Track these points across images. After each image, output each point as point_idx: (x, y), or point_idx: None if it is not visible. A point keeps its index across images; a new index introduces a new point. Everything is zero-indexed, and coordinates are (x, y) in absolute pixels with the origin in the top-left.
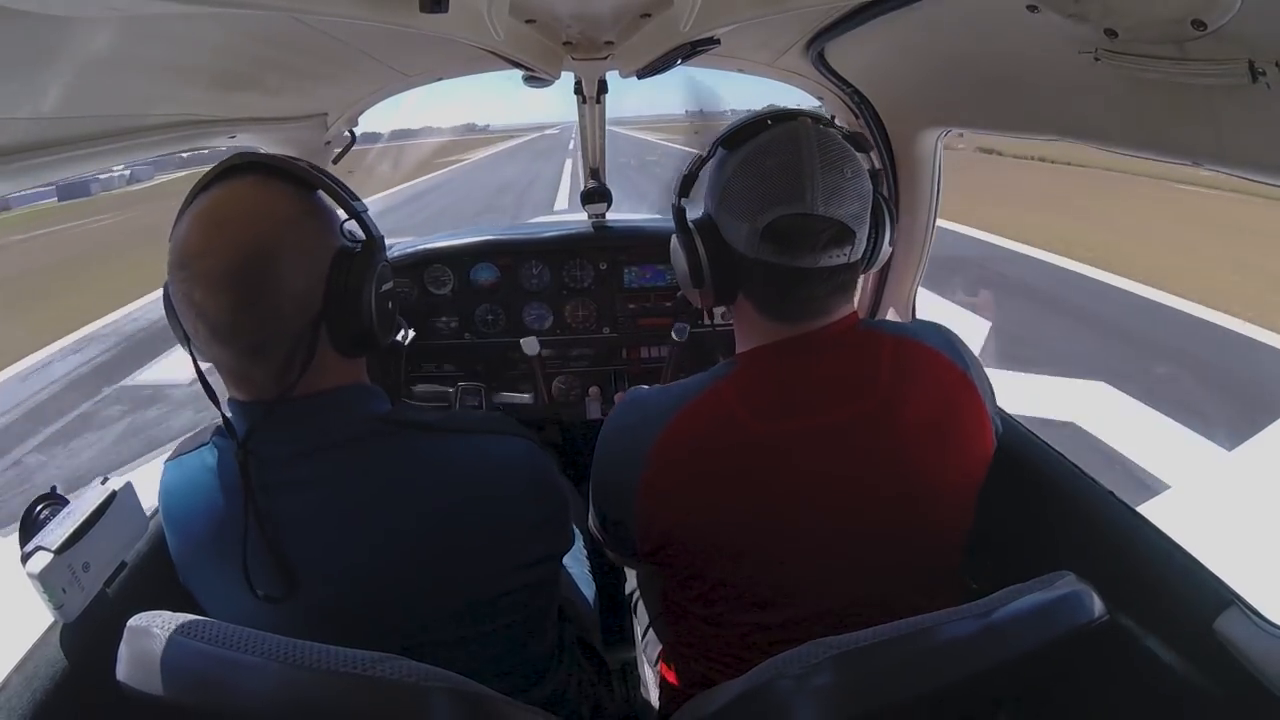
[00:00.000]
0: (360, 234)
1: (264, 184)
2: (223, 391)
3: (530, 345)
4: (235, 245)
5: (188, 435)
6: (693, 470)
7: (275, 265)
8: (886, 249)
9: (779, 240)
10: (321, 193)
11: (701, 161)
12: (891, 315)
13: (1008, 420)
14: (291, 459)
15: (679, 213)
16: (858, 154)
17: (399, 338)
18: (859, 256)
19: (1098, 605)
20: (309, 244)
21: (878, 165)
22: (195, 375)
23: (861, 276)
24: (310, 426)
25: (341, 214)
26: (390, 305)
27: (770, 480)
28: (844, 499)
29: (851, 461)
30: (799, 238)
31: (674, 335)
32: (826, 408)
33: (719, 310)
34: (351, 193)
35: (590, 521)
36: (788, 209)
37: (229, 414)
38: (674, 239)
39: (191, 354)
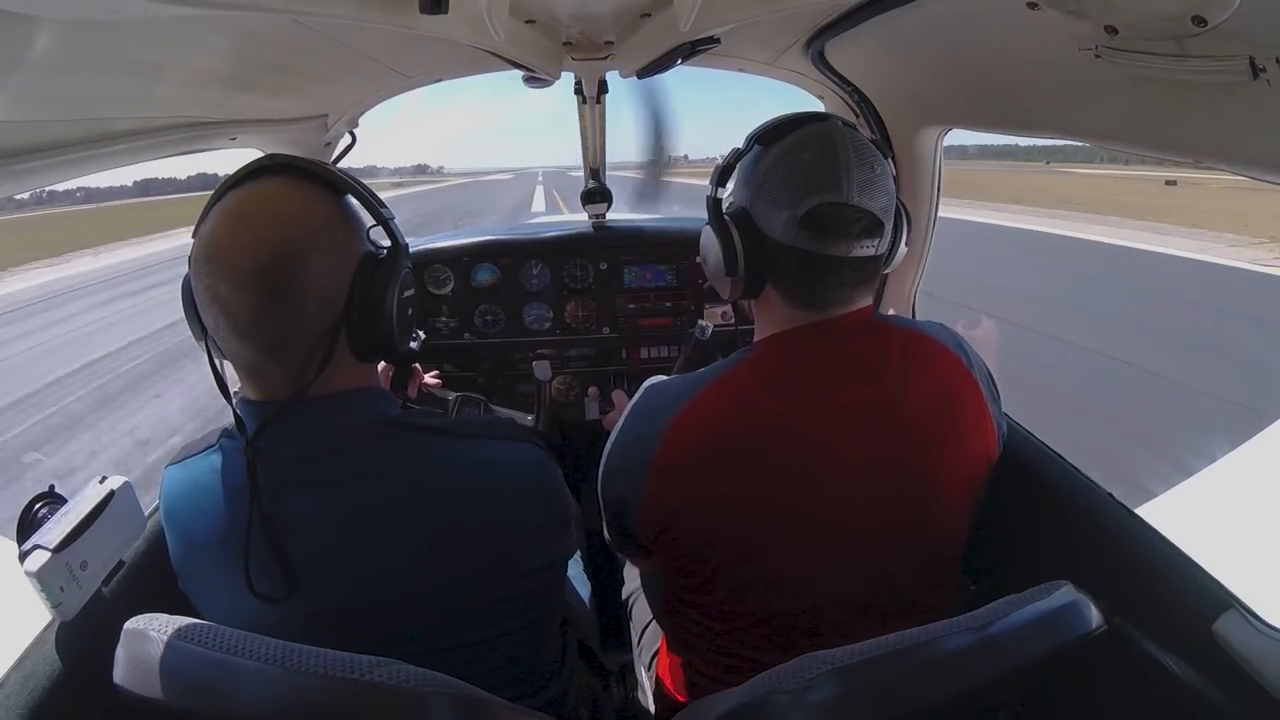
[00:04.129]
0: (384, 240)
1: (295, 185)
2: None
3: (542, 370)
4: (264, 243)
5: (192, 440)
6: (706, 446)
7: (303, 266)
8: (903, 249)
9: (816, 227)
10: (350, 197)
11: (738, 155)
12: (893, 315)
13: (1009, 422)
14: (299, 460)
15: (714, 204)
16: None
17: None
18: (884, 250)
19: (1095, 616)
20: (337, 247)
21: (894, 171)
22: (212, 372)
23: None
24: (320, 428)
25: (367, 220)
26: (410, 312)
27: (780, 457)
28: (848, 481)
29: (856, 444)
30: (835, 225)
31: (695, 334)
32: (836, 390)
33: (723, 310)
34: (379, 199)
35: (600, 509)
36: (826, 197)
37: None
38: (706, 229)
39: (208, 349)
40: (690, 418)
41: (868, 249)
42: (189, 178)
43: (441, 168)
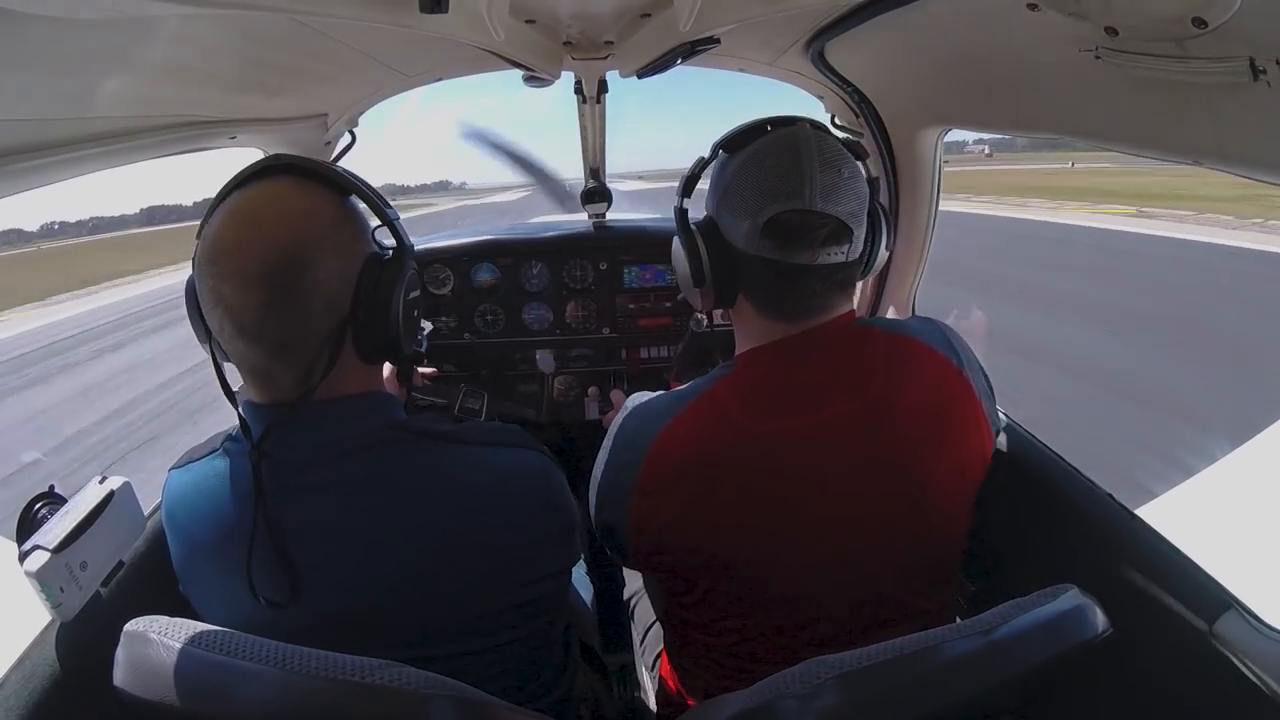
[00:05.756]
0: (388, 240)
1: (301, 185)
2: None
3: (545, 362)
4: (271, 244)
5: (196, 444)
6: (688, 469)
7: (310, 267)
8: (883, 254)
9: (778, 236)
10: (354, 197)
11: (703, 164)
12: (892, 315)
13: (1008, 422)
14: (306, 463)
15: (680, 214)
16: (856, 160)
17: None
18: (856, 256)
19: (1100, 620)
20: (344, 248)
21: (875, 173)
22: (216, 374)
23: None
24: (327, 431)
25: (373, 220)
26: (415, 314)
27: (766, 478)
28: (840, 496)
29: (847, 458)
30: (798, 233)
31: (691, 326)
32: (822, 405)
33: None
34: (385, 199)
35: (593, 529)
36: (787, 205)
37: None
38: (675, 240)
39: (212, 352)
40: (670, 440)
41: (836, 256)
42: (194, 204)
43: (464, 183)
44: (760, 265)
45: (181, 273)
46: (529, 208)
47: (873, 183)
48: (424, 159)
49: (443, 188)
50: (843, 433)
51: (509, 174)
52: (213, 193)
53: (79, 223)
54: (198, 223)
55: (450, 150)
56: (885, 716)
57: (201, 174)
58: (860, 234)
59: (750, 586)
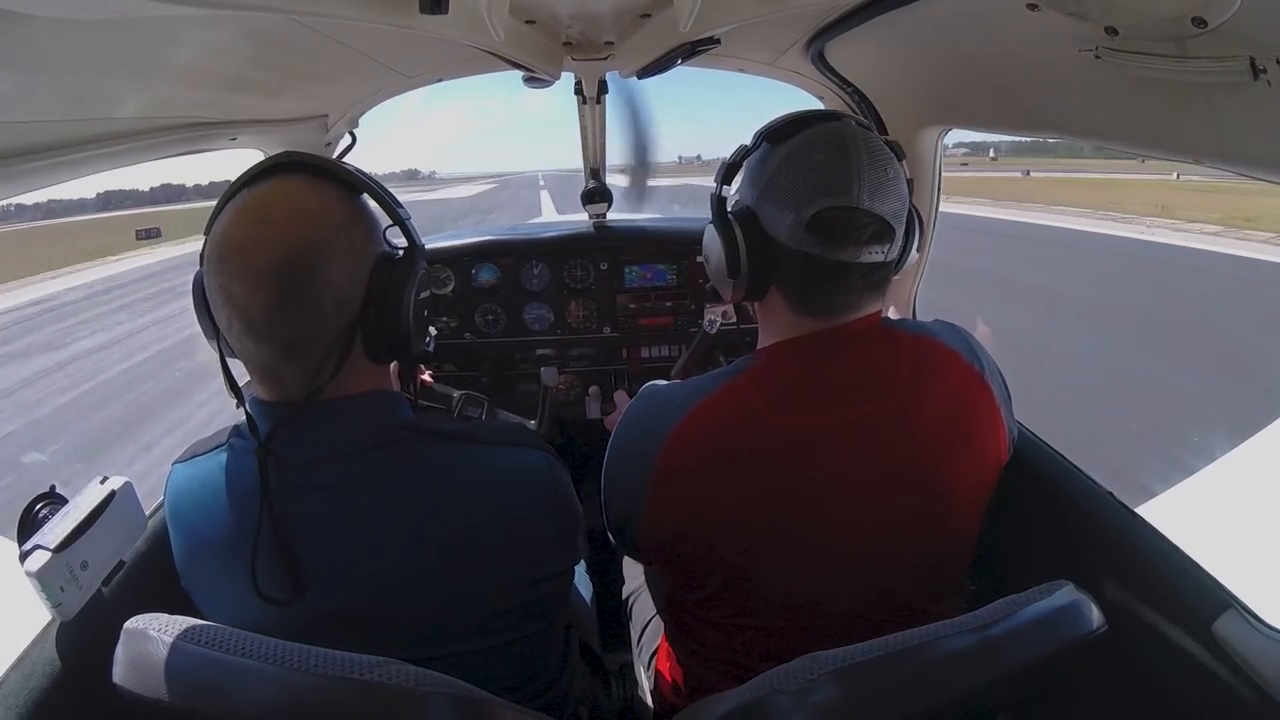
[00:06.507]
0: (399, 239)
1: (312, 184)
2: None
3: (549, 376)
4: (281, 242)
5: (200, 438)
6: (707, 461)
7: (321, 266)
8: (915, 254)
9: (824, 231)
10: (366, 196)
11: (745, 152)
12: (892, 315)
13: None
14: (313, 462)
15: (719, 202)
16: (898, 161)
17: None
18: (894, 256)
19: (1096, 616)
20: (355, 247)
21: (909, 175)
22: (222, 372)
23: None
24: (335, 430)
25: (384, 219)
26: (425, 314)
27: (785, 474)
28: (858, 497)
29: (867, 458)
30: (843, 230)
31: (704, 327)
32: (845, 404)
33: (724, 309)
34: (396, 199)
35: (603, 515)
36: (834, 200)
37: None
38: (709, 228)
39: (219, 349)
40: (690, 431)
41: (876, 255)
42: (152, 189)
43: (434, 173)
44: (800, 259)
45: None
46: (486, 205)
47: (910, 184)
48: (394, 147)
49: (411, 176)
50: (865, 434)
51: (478, 164)
52: (170, 179)
53: (35, 205)
54: (154, 209)
55: (420, 137)
56: (878, 712)
57: (159, 160)
58: (900, 233)
59: (760, 584)
